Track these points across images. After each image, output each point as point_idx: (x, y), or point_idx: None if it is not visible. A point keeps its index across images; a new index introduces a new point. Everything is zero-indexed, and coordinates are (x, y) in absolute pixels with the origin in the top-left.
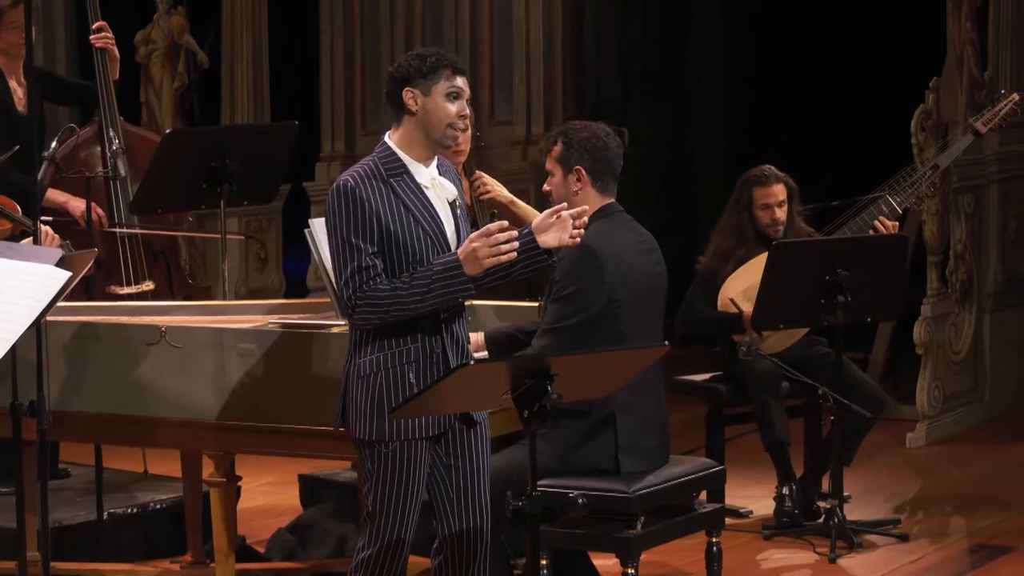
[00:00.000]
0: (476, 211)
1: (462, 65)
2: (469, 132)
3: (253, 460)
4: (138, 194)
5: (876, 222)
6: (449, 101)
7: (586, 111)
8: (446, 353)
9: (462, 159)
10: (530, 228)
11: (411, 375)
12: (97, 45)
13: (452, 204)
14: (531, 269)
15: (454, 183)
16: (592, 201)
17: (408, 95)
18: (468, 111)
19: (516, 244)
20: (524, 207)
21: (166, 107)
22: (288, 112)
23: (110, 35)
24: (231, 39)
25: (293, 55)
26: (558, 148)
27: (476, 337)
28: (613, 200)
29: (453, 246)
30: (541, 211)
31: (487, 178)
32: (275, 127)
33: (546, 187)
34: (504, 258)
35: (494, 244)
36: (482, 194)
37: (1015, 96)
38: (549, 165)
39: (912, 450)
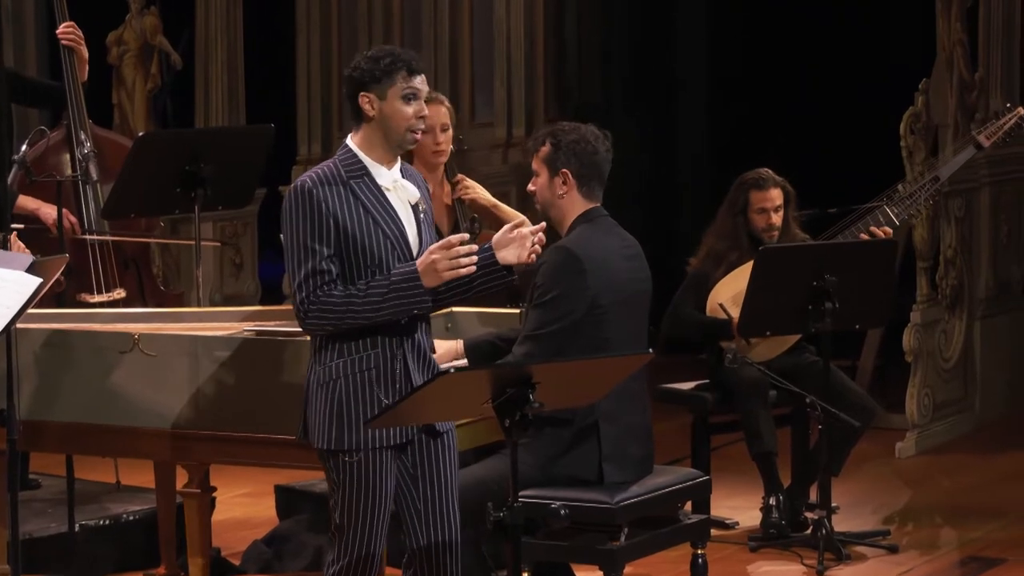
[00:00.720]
0: (458, 214)
1: (418, 63)
2: (450, 133)
3: (228, 470)
4: (110, 199)
5: (871, 227)
6: (406, 103)
7: (568, 113)
8: (407, 360)
9: (443, 160)
10: (490, 244)
11: (372, 381)
12: (63, 42)
13: (415, 207)
14: (491, 285)
15: (418, 186)
16: (577, 205)
17: (364, 100)
18: (427, 110)
19: (475, 258)
20: (507, 210)
21: (139, 109)
22: (264, 114)
23: (78, 33)
24: (205, 40)
25: (269, 56)
26: (546, 149)
27: (455, 345)
28: (598, 205)
29: (415, 250)
30: (524, 213)
31: (469, 181)
32: (250, 130)
33: (531, 187)
34: (463, 271)
35: (454, 256)
36: (463, 196)
37: (1020, 110)
38: (535, 165)
39: (901, 460)
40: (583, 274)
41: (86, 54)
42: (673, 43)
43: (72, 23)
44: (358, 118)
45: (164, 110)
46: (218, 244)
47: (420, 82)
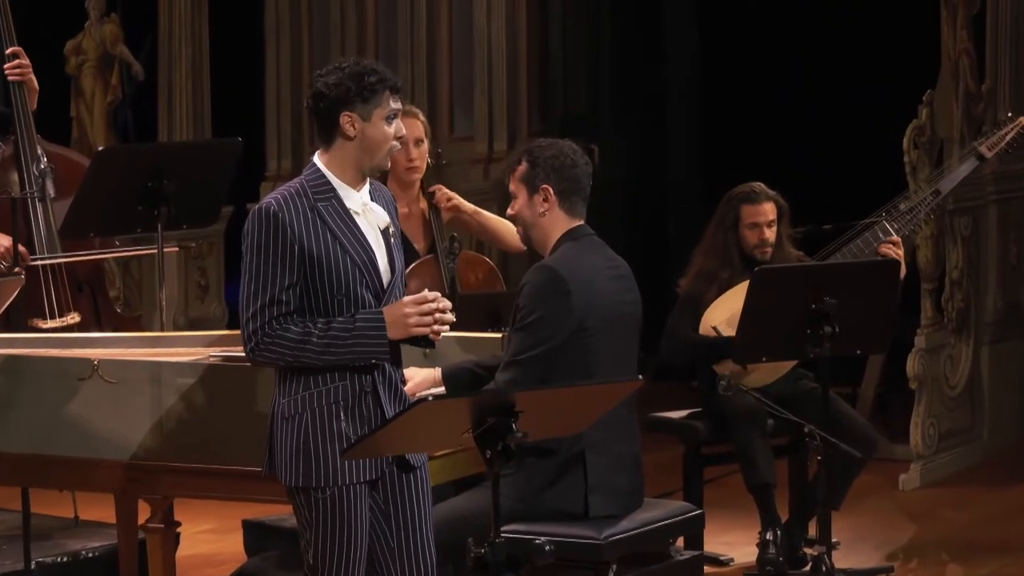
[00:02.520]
0: (435, 231)
1: (399, 82)
2: (424, 147)
3: (193, 504)
4: (68, 217)
5: (883, 247)
6: (388, 124)
7: (553, 126)
8: (377, 391)
9: (417, 176)
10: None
11: (341, 415)
12: (11, 78)
13: (384, 231)
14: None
15: (388, 210)
16: (560, 223)
17: (346, 119)
18: (404, 130)
19: (451, 318)
20: (489, 216)
21: (98, 123)
22: (231, 127)
23: (26, 63)
24: (169, 49)
25: (236, 66)
26: (522, 168)
27: (433, 373)
28: (582, 222)
29: (385, 278)
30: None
31: (448, 191)
32: (217, 144)
33: (510, 210)
34: (438, 328)
35: (427, 312)
36: (445, 206)
37: (1022, 120)
38: (513, 187)
39: (905, 492)
40: (567, 295)
41: (36, 84)
42: (663, 51)
43: (19, 49)
44: (330, 137)
45: (125, 123)
46: (177, 249)
47: (398, 102)
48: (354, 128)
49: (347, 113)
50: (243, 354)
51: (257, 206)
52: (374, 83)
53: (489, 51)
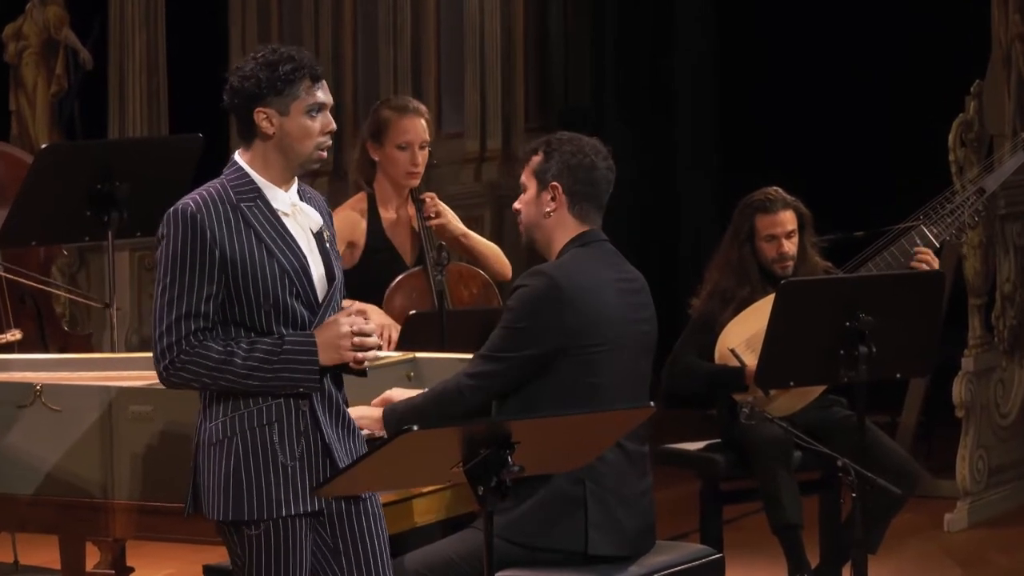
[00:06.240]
0: (423, 241)
1: (320, 68)
2: (426, 152)
3: (148, 547)
4: (7, 224)
5: (916, 260)
6: (311, 118)
7: (552, 120)
8: (315, 410)
9: (416, 182)
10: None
11: (275, 437)
12: None
13: (318, 235)
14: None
15: (320, 211)
16: (567, 227)
17: (261, 116)
18: (334, 124)
19: (375, 341)
20: (477, 240)
21: (41, 116)
22: (190, 123)
23: None
24: (120, 34)
25: (196, 52)
26: (537, 159)
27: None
28: (594, 228)
29: (319, 286)
30: (500, 242)
31: (441, 204)
32: (175, 141)
33: (516, 205)
34: (369, 354)
35: (361, 333)
36: (431, 218)
37: None
38: (524, 178)
39: (951, 534)
40: (561, 307)
41: None
42: (673, 37)
43: None
44: (248, 135)
45: (71, 117)
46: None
47: (324, 91)
48: (271, 124)
49: (261, 109)
50: None
51: (173, 208)
52: (289, 72)
53: (481, 36)
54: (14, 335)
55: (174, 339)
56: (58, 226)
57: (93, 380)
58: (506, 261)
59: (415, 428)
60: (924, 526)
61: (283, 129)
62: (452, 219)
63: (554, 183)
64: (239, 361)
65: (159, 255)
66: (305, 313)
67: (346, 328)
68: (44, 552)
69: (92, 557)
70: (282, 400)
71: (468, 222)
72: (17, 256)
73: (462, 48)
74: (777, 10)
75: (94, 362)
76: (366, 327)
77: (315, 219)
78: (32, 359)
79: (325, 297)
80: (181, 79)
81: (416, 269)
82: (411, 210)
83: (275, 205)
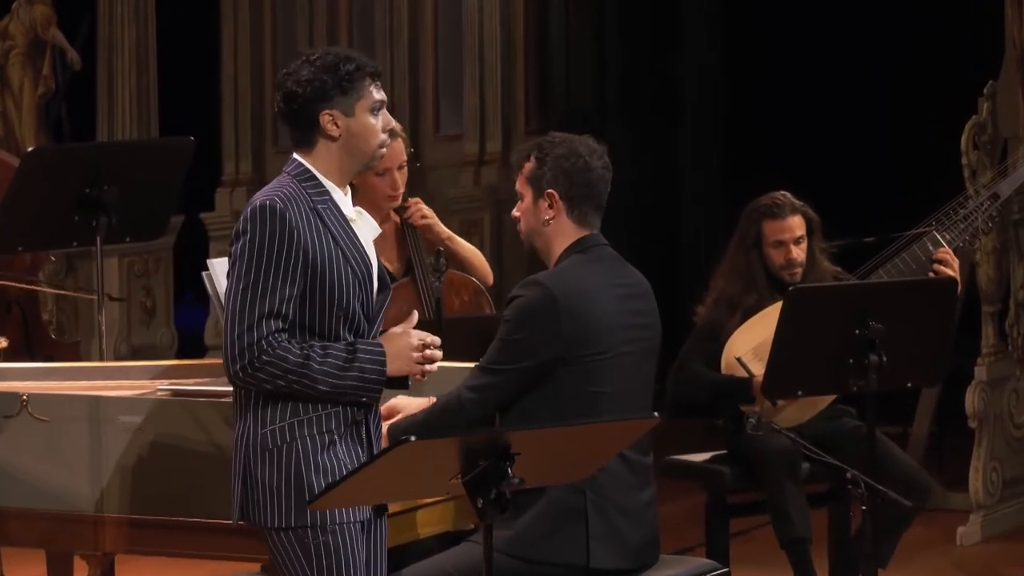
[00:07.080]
0: (411, 249)
1: (379, 68)
2: (405, 171)
3: (138, 563)
4: None
5: (936, 264)
6: (374, 116)
7: (553, 122)
8: (368, 423)
9: (396, 204)
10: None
11: (336, 444)
12: None
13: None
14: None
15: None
16: (567, 233)
17: (327, 118)
18: (394, 120)
19: (439, 354)
20: (461, 244)
21: (27, 119)
22: (181, 125)
23: None
24: (109, 34)
25: (187, 53)
26: (529, 165)
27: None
28: (594, 232)
29: (375, 300)
30: (500, 246)
31: (425, 207)
32: (165, 144)
33: (515, 212)
34: (434, 367)
35: (431, 345)
36: (417, 224)
37: None
38: (519, 185)
39: (964, 548)
40: (556, 317)
41: None
42: (679, 36)
43: None
44: (310, 140)
45: (58, 120)
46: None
47: (380, 89)
48: (337, 127)
49: (327, 111)
50: (195, 387)
51: (257, 203)
52: (352, 71)
53: (481, 38)
54: (0, 343)
55: (255, 339)
56: (45, 231)
57: (81, 390)
58: (488, 267)
59: (412, 439)
60: (936, 540)
61: (349, 130)
62: (436, 223)
63: (550, 190)
64: (315, 365)
65: (238, 251)
66: (364, 321)
67: (416, 340)
68: (31, 567)
69: (80, 572)
70: (340, 408)
71: (467, 226)
72: (3, 262)
73: (461, 48)
74: (782, 9)
75: (82, 371)
76: (435, 340)
77: (375, 227)
78: (18, 368)
79: (378, 309)
80: (172, 79)
81: (404, 280)
82: (395, 219)
83: (344, 209)
